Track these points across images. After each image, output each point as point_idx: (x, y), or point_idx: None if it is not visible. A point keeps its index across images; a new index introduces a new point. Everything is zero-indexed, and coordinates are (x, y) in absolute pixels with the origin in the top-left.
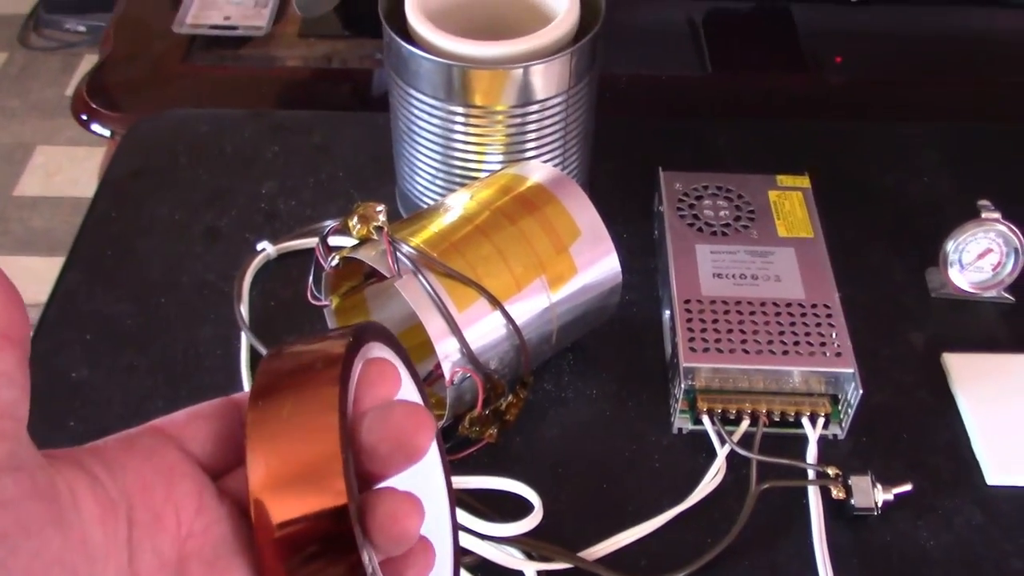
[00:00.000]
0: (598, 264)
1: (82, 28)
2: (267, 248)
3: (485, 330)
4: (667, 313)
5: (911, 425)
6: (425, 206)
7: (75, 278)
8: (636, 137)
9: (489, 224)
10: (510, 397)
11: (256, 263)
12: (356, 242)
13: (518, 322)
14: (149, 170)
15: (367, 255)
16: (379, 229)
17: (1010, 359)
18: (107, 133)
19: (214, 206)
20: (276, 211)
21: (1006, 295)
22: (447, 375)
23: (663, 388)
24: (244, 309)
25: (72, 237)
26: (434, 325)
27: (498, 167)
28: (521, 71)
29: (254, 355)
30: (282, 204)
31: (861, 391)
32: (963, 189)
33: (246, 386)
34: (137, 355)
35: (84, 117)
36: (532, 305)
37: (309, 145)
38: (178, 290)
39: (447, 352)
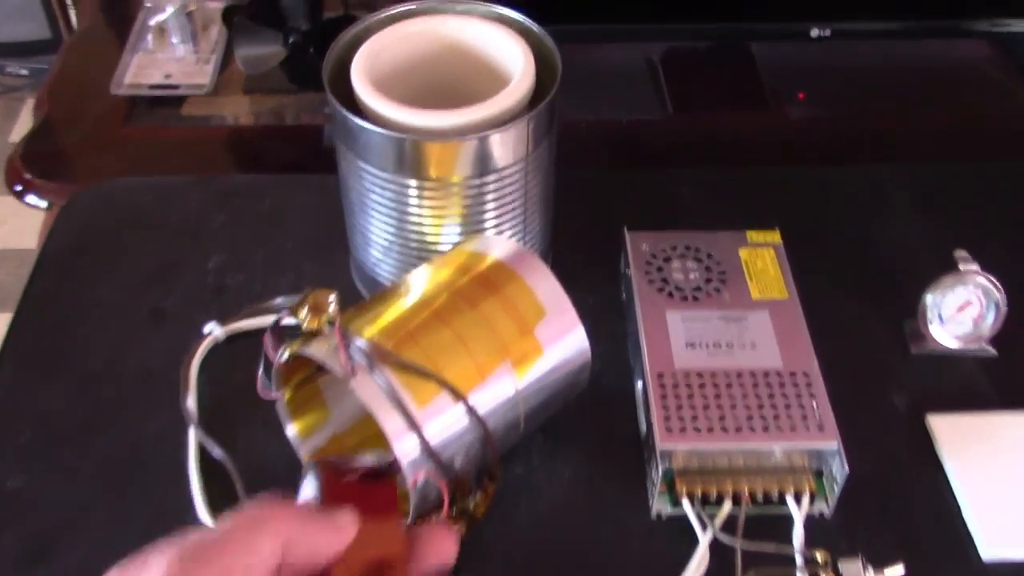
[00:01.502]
0: (565, 342)
1: (24, 71)
2: (215, 330)
3: (447, 424)
4: (639, 385)
5: (899, 496)
6: (380, 278)
7: (9, 373)
8: (597, 192)
9: (448, 309)
10: (478, 496)
11: (203, 348)
12: (306, 332)
13: (483, 412)
14: (89, 246)
15: (318, 351)
16: (331, 323)
17: (996, 418)
18: (44, 204)
19: (159, 284)
20: (224, 286)
21: (988, 348)
22: (408, 478)
23: (639, 466)
24: (191, 400)
25: (19, 292)
26: (392, 424)
27: (456, 238)
28: (477, 142)
29: (203, 454)
30: (230, 279)
31: (847, 469)
32: (938, 232)
33: (195, 491)
34: (78, 456)
35: (18, 188)
36: (497, 393)
37: (258, 212)
38: (121, 380)
39: (406, 452)
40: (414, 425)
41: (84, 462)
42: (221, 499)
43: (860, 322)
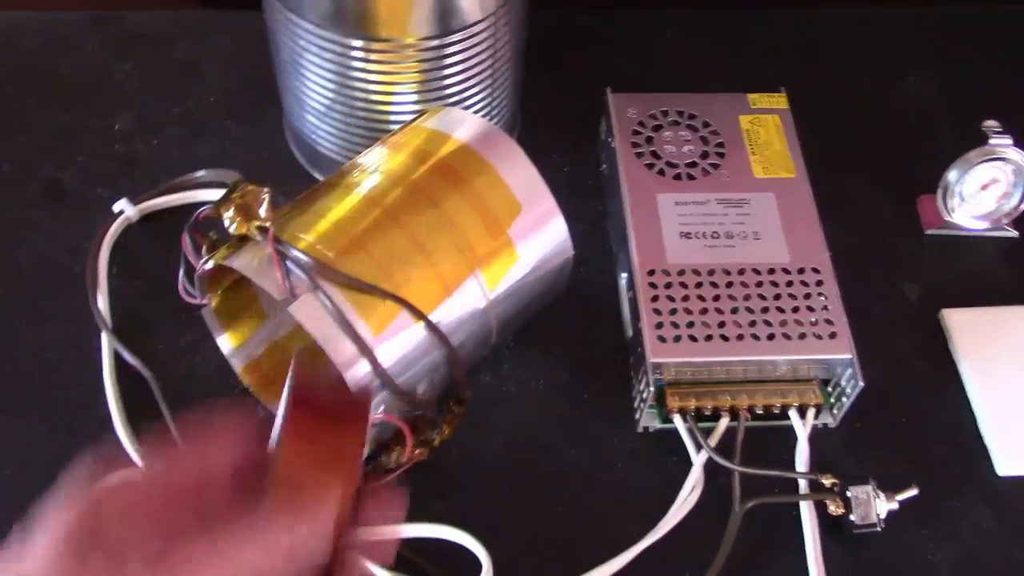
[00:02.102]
0: (543, 242)
1: None
2: (126, 210)
3: (406, 348)
4: (624, 279)
5: (909, 405)
6: (320, 147)
7: None
8: (567, 39)
9: (404, 207)
10: (444, 428)
11: (113, 231)
12: (232, 234)
13: (448, 330)
14: None
15: (248, 265)
16: (263, 230)
17: (1016, 313)
18: None
19: (54, 152)
20: (134, 154)
21: (1009, 229)
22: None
23: (622, 372)
24: (103, 299)
25: None
26: (342, 353)
27: (411, 108)
28: None
29: (120, 363)
30: (141, 144)
31: (862, 383)
32: (954, 91)
33: (113, 408)
34: None
35: None
36: (464, 306)
37: (171, 61)
38: (14, 273)
39: (359, 385)
40: (367, 352)
41: None
42: (143, 415)
43: (867, 200)
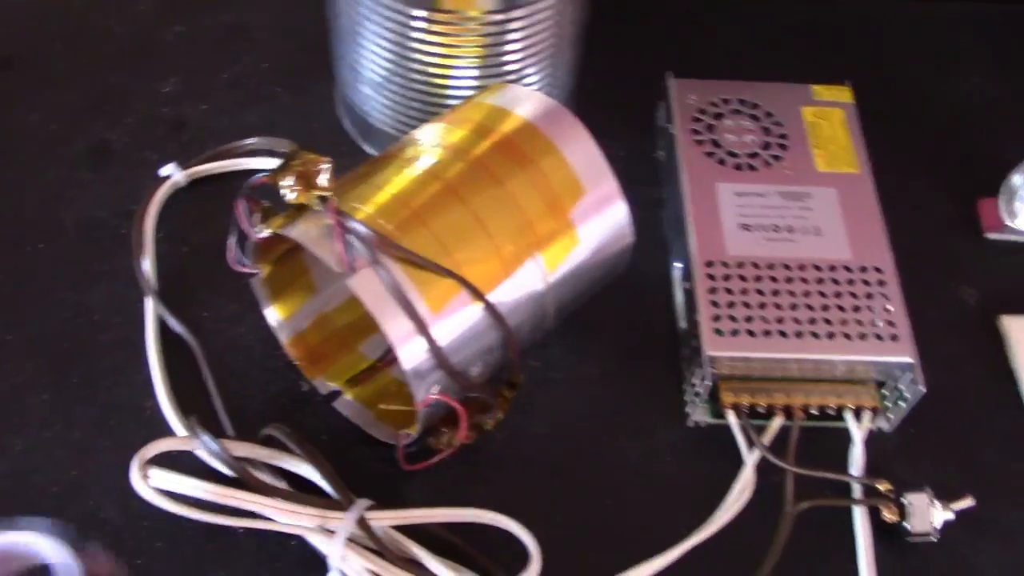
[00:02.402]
0: (604, 227)
1: None
2: (174, 174)
3: (464, 328)
4: (678, 269)
5: (965, 412)
6: (373, 120)
7: None
8: (629, 19)
9: (465, 182)
10: (498, 414)
11: (161, 195)
12: (290, 203)
13: (505, 311)
14: (14, 61)
15: (307, 235)
16: (323, 200)
17: None
18: None
19: (102, 112)
20: (183, 118)
21: None
22: (417, 395)
23: (673, 364)
24: (148, 263)
25: None
26: (398, 329)
27: (468, 87)
28: None
29: (163, 329)
30: (190, 108)
31: (923, 389)
32: (1020, 92)
33: (155, 372)
34: (9, 327)
35: None
36: (523, 288)
37: (221, 23)
38: (59, 233)
39: (416, 366)
40: (424, 330)
41: (16, 335)
42: (185, 384)
43: (926, 199)
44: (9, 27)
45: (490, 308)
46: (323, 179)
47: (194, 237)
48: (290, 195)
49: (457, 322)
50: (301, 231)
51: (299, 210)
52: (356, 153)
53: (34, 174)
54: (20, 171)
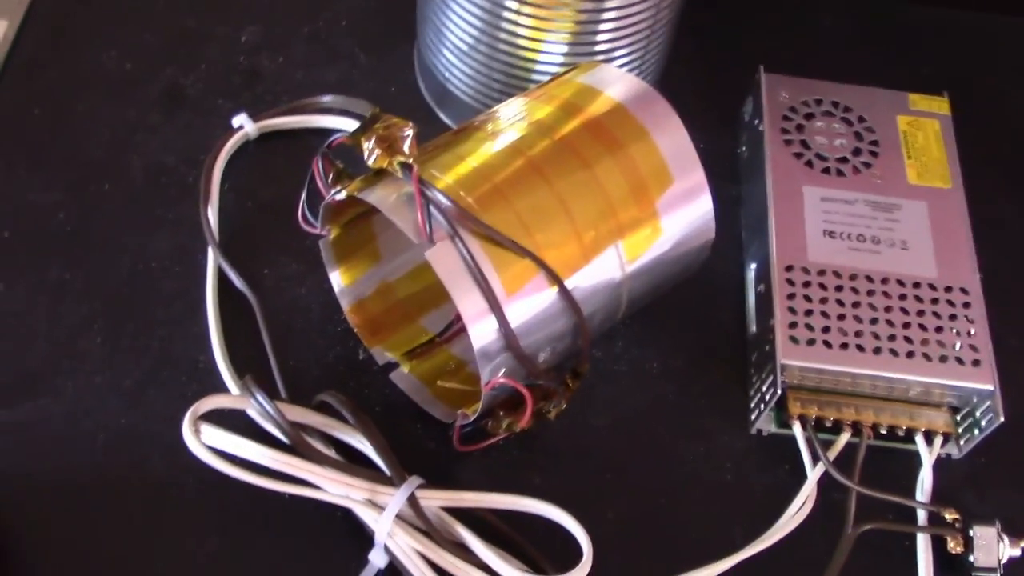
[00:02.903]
0: (689, 219)
1: None
2: (245, 125)
3: (537, 312)
4: (753, 270)
5: None
6: (452, 88)
7: None
8: (720, 8)
9: (551, 162)
10: (563, 404)
11: (230, 146)
12: (369, 166)
13: (581, 298)
14: None
15: (386, 202)
16: (405, 167)
17: None
18: None
19: (178, 56)
20: (258, 69)
21: None
22: (483, 378)
23: (740, 367)
24: (213, 213)
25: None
26: (471, 307)
27: (555, 63)
28: None
29: (223, 283)
30: (267, 60)
31: (1002, 419)
32: None
33: (212, 326)
34: (69, 267)
35: None
36: (600, 277)
37: None
38: (126, 175)
39: (485, 346)
40: (497, 310)
41: (76, 276)
42: (240, 341)
43: (1015, 220)
44: None
45: (566, 294)
46: (407, 146)
47: (261, 191)
48: (371, 159)
49: (531, 305)
50: (379, 197)
51: (378, 175)
52: (432, 120)
53: (105, 113)
54: (92, 109)
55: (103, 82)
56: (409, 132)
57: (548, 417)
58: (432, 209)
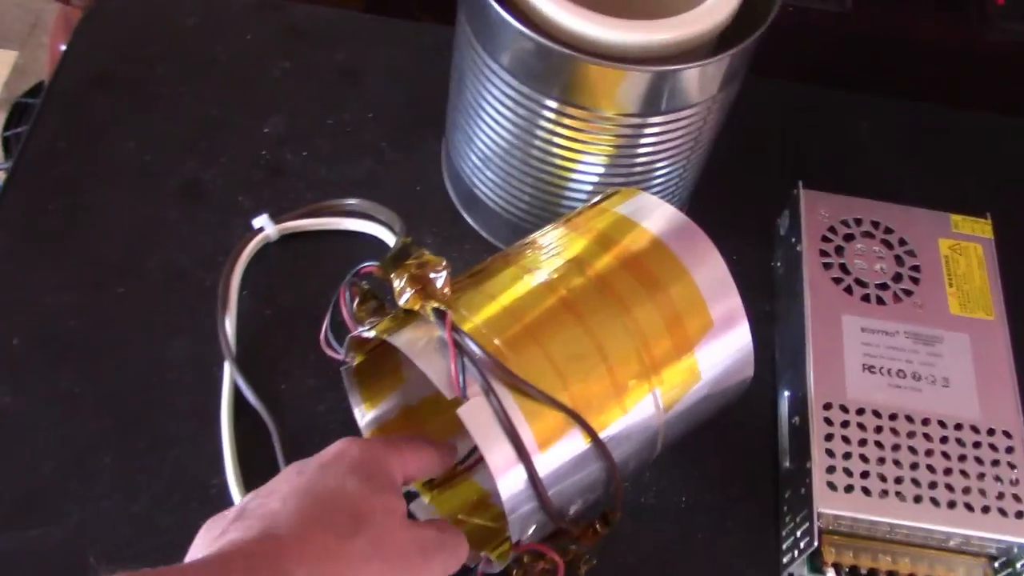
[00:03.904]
0: (728, 362)
1: None
2: (266, 227)
3: (569, 464)
4: (787, 398)
5: None
6: (480, 194)
7: (1, 242)
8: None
9: (585, 300)
10: (592, 560)
11: (250, 250)
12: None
13: (616, 448)
14: (113, 79)
15: (415, 349)
16: (438, 313)
17: None
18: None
19: (198, 147)
20: (281, 163)
21: None
22: (513, 536)
23: (771, 501)
24: (230, 324)
25: None
26: (501, 461)
27: (589, 181)
28: (652, 75)
29: (239, 396)
30: (290, 154)
31: None
32: None
33: (226, 447)
34: (80, 378)
35: None
36: (637, 426)
37: (331, 65)
38: (142, 279)
39: (516, 505)
40: (530, 468)
41: (87, 389)
42: (256, 462)
43: None
44: (114, 43)
45: (600, 446)
46: (441, 288)
47: (280, 297)
48: (402, 299)
49: (564, 459)
50: (408, 341)
51: (408, 314)
52: (457, 221)
53: (123, 207)
54: (108, 204)
55: (121, 175)
56: (443, 274)
57: (579, 574)
58: (465, 360)
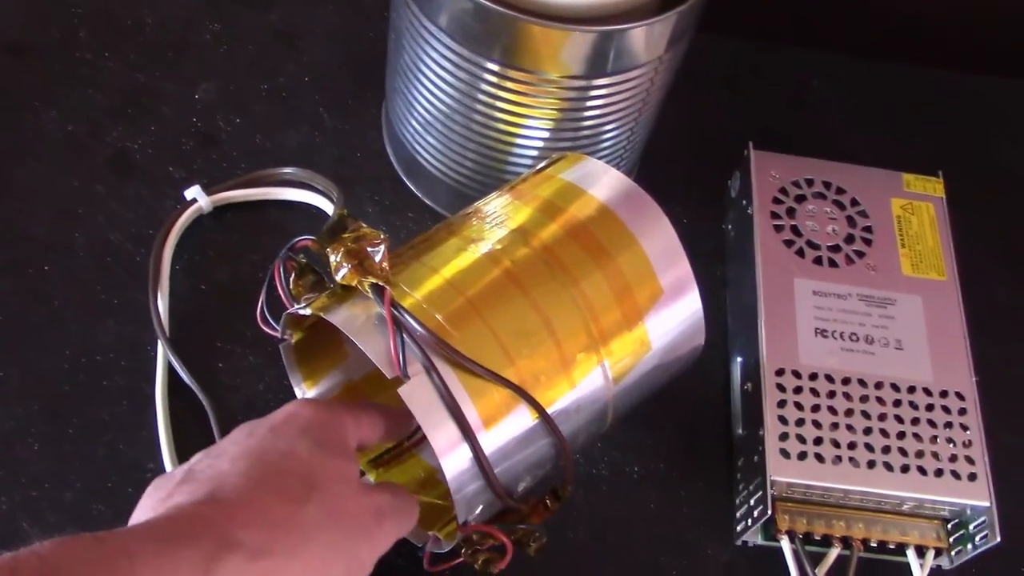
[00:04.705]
0: (679, 331)
1: None
2: (199, 198)
3: (516, 443)
4: (739, 364)
5: None
6: (423, 160)
7: None
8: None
9: (530, 272)
10: (542, 537)
11: (182, 222)
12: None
13: (564, 423)
14: (33, 46)
15: (353, 326)
16: (377, 289)
17: None
18: None
19: (126, 116)
20: (213, 132)
21: None
22: (460, 516)
23: (725, 470)
24: (163, 301)
25: None
26: (443, 441)
27: (533, 146)
28: (598, 35)
29: (174, 377)
30: (222, 121)
31: (999, 539)
32: None
33: (162, 430)
34: (5, 360)
35: None
36: (585, 399)
37: (264, 28)
38: (69, 256)
39: (461, 485)
40: (475, 448)
41: (12, 373)
42: (193, 444)
43: (1017, 311)
44: (25, 7)
45: (548, 421)
46: (377, 259)
47: (215, 271)
48: (339, 274)
49: (510, 436)
50: (347, 318)
51: (346, 289)
52: (400, 189)
53: (47, 182)
54: (32, 177)
55: (44, 146)
56: (381, 248)
57: (528, 551)
58: (405, 337)
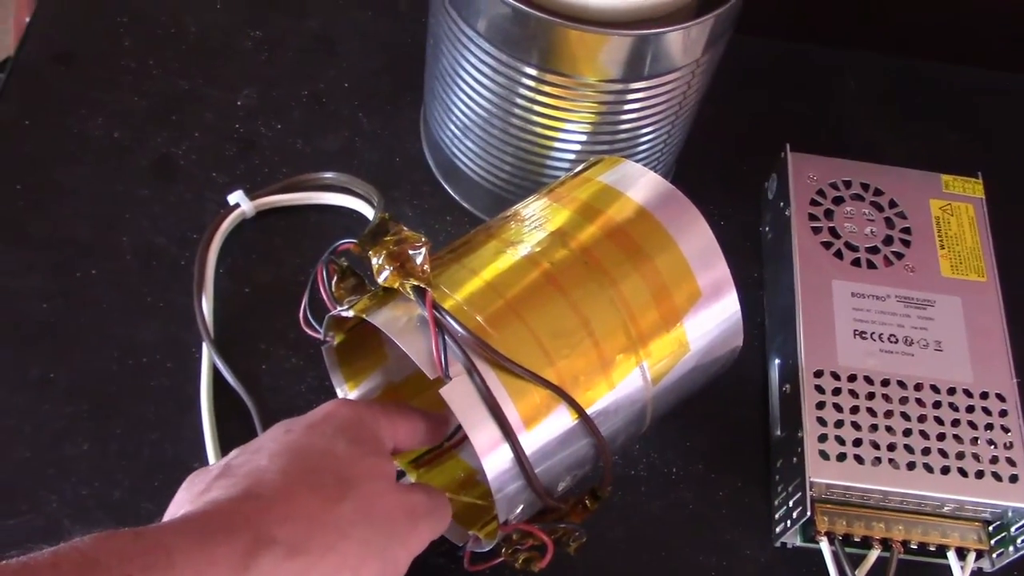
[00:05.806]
0: (717, 333)
1: None
2: (241, 203)
3: (556, 442)
4: (777, 366)
5: None
6: (460, 164)
7: None
8: (730, 72)
9: (570, 274)
10: (582, 536)
11: (226, 227)
12: (379, 283)
13: (604, 424)
14: (78, 55)
15: (395, 327)
16: (419, 291)
17: None
18: None
19: (169, 122)
20: (255, 137)
21: None
22: (501, 515)
23: (764, 470)
24: (207, 303)
25: None
26: (485, 440)
27: (571, 149)
28: (634, 39)
29: (218, 377)
30: (263, 127)
31: None
32: None
33: (207, 429)
34: (52, 362)
35: None
36: (624, 400)
37: (304, 33)
38: (114, 258)
39: (502, 485)
40: (516, 448)
41: (60, 374)
42: (236, 443)
43: None
44: (72, 17)
45: (587, 422)
46: (418, 262)
47: (258, 274)
48: (380, 277)
49: (551, 437)
50: (388, 320)
51: (387, 292)
52: (438, 192)
53: (93, 187)
54: (79, 182)
55: (89, 152)
56: (422, 251)
57: (568, 550)
58: (446, 339)
